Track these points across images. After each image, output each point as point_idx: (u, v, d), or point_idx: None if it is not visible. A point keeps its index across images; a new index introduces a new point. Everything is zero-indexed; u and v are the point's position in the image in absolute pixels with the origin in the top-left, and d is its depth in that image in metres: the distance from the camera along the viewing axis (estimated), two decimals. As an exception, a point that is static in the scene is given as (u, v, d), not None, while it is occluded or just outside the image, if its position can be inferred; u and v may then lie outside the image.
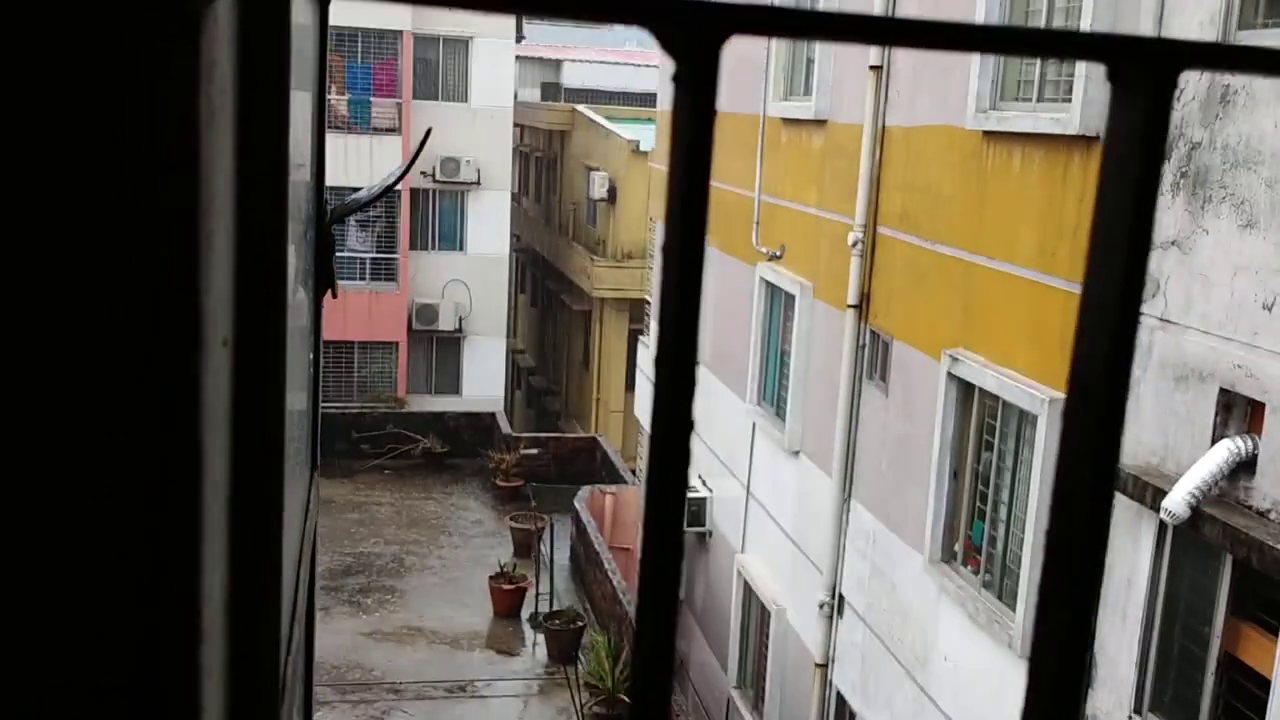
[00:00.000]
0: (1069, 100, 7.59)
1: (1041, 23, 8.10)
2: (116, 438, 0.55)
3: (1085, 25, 7.31)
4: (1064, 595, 0.48)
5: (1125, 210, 0.45)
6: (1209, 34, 6.30)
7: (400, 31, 24.95)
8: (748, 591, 13.20)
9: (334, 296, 2.07)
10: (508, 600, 17.76)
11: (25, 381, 0.54)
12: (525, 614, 17.74)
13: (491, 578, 18.02)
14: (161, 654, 0.60)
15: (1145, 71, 0.44)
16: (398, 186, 24.91)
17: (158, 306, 0.53)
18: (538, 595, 17.61)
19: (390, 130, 25.09)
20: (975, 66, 8.57)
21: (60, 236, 0.51)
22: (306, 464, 1.96)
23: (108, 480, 0.56)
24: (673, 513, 0.41)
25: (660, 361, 0.40)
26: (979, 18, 8.51)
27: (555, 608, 17.30)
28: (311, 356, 2.02)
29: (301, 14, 1.58)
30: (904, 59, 9.92)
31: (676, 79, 0.38)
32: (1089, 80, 7.26)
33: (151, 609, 0.59)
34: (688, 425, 0.40)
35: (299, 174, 1.63)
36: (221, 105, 0.68)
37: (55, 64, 0.48)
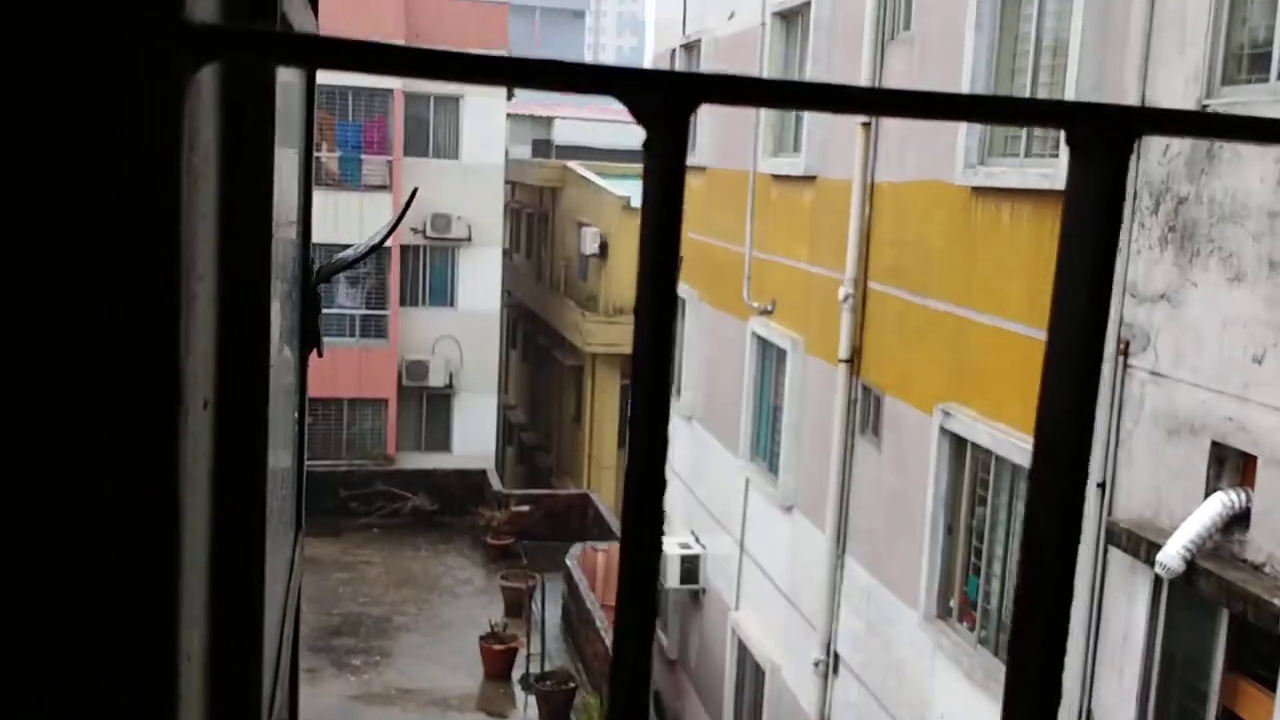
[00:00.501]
0: (1056, 156, 7.65)
1: (1028, 79, 8.20)
2: (93, 498, 0.55)
3: (1071, 81, 7.39)
4: (1034, 642, 0.48)
5: (1084, 270, 0.47)
6: (1193, 90, 6.36)
7: (391, 90, 25.20)
8: (742, 649, 13.07)
9: (319, 355, 2.05)
10: (498, 661, 17.56)
11: None
12: (516, 675, 17.52)
13: (482, 638, 17.83)
14: (138, 715, 0.59)
15: (1103, 137, 0.45)
16: (387, 243, 25.00)
17: (137, 368, 0.54)
18: (529, 655, 17.41)
19: (381, 187, 25.23)
20: (963, 123, 8.65)
21: (41, 297, 0.52)
22: (291, 524, 1.93)
23: (84, 540, 0.56)
24: (647, 574, 0.41)
25: (634, 424, 0.39)
26: (965, 74, 8.61)
27: (547, 668, 17.10)
28: (297, 415, 2.00)
29: (287, 72, 1.58)
30: (893, 118, 10.02)
31: (646, 146, 0.37)
32: (1075, 136, 7.33)
33: (128, 668, 0.58)
34: (660, 484, 0.40)
35: (285, 232, 1.62)
36: (205, 170, 0.68)
37: (41, 124, 0.49)
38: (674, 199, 0.36)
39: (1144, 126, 0.45)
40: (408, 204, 3.38)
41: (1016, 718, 0.48)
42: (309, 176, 2.04)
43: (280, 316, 1.58)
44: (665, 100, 0.36)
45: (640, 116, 0.36)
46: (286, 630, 1.66)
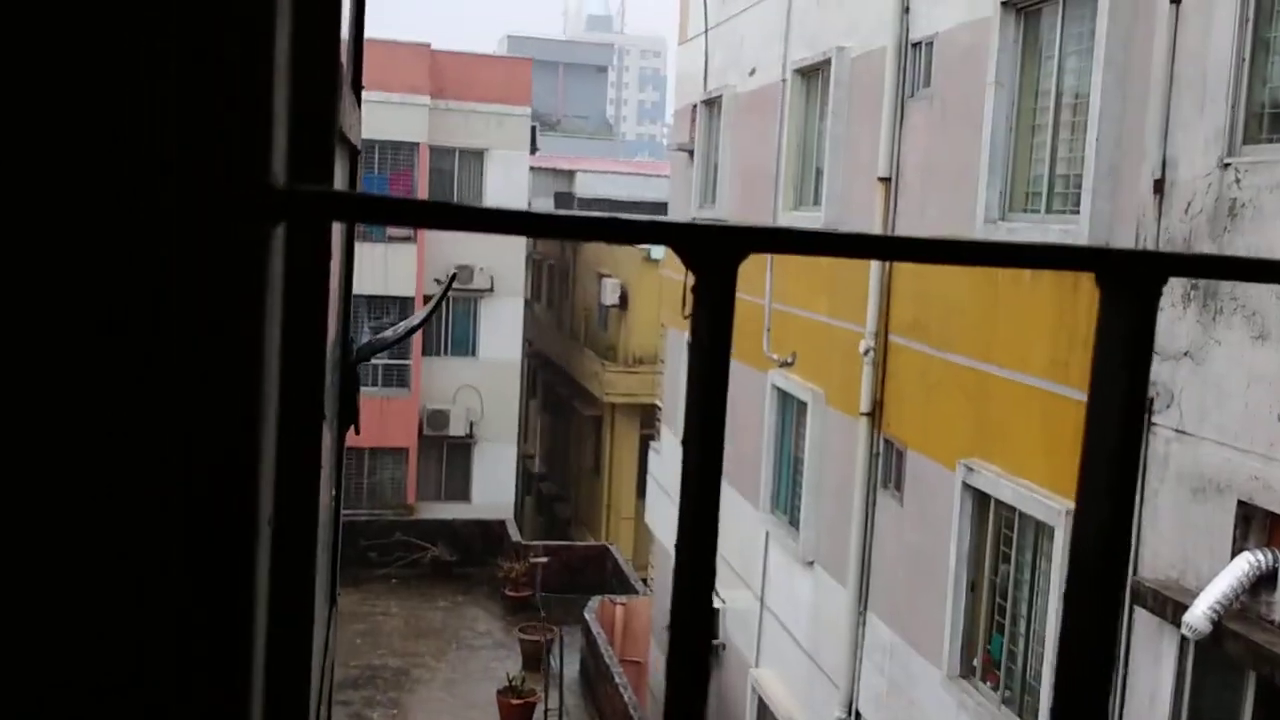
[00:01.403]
0: (1077, 212, 7.67)
1: (1048, 136, 8.23)
2: (169, 624, 0.58)
3: (1091, 139, 7.42)
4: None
5: (1115, 410, 0.47)
6: (1214, 149, 6.37)
7: (417, 144, 25.49)
8: (762, 707, 12.92)
9: (357, 433, 2.08)
10: (516, 715, 17.40)
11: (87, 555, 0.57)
12: (534, 728, 17.36)
13: (499, 692, 17.69)
14: None
15: (1132, 279, 0.47)
16: (410, 293, 25.18)
17: (220, 492, 0.58)
18: (547, 710, 17.25)
19: (405, 240, 25.46)
20: (984, 177, 8.69)
21: (143, 430, 0.57)
22: (326, 600, 1.94)
23: (155, 665, 0.58)
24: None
25: (678, 574, 0.40)
26: (985, 131, 8.66)
27: (564, 722, 16.94)
28: (335, 493, 2.02)
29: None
30: (912, 170, 10.07)
31: (695, 291, 0.39)
32: (1096, 194, 7.35)
33: None
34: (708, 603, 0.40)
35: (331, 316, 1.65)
36: (272, 310, 0.74)
37: (154, 284, 0.55)
38: (722, 342, 0.38)
39: (1171, 269, 0.47)
40: (448, 286, 3.45)
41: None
42: (350, 253, 2.07)
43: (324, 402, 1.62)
44: (714, 251, 0.38)
45: (690, 264, 0.38)
46: (323, 711, 1.68)
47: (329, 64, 0.99)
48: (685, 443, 0.40)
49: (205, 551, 0.57)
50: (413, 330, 3.08)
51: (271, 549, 0.82)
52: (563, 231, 0.41)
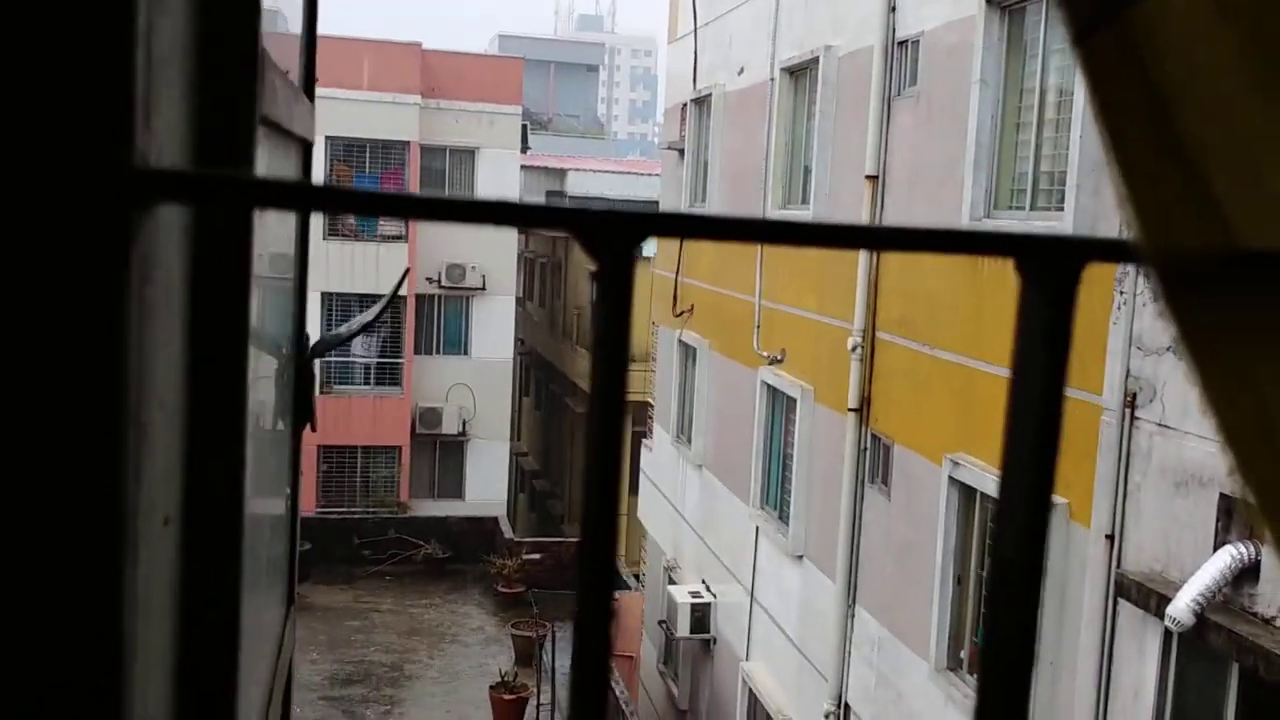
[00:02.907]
0: (1061, 209, 7.73)
1: (1032, 134, 8.29)
2: (33, 627, 0.55)
3: (1075, 136, 7.47)
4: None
5: (1034, 397, 0.48)
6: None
7: (408, 142, 25.47)
8: (753, 700, 12.98)
9: (313, 430, 2.10)
10: (509, 711, 17.44)
11: None
12: (527, 724, 17.40)
13: (492, 687, 17.73)
14: None
15: (1050, 266, 0.48)
16: (403, 292, 25.16)
17: (82, 495, 0.54)
18: (539, 705, 17.29)
19: (396, 238, 25.44)
20: (969, 174, 8.75)
21: None
22: (282, 601, 1.95)
23: (26, 684, 0.55)
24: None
25: (581, 563, 0.43)
26: (971, 129, 8.71)
27: (557, 718, 16.98)
28: (289, 491, 2.03)
29: (285, 146, 1.63)
30: (899, 167, 10.13)
31: (595, 277, 0.42)
32: (1080, 189, 7.41)
33: None
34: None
35: (281, 304, 1.68)
36: (166, 300, 0.72)
37: None
38: (620, 325, 0.42)
39: (1091, 254, 0.47)
40: (399, 282, 3.49)
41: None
42: (305, 243, 2.09)
43: (275, 394, 1.63)
44: (612, 236, 0.42)
45: (590, 250, 0.42)
46: (274, 713, 1.66)
47: (244, 48, 0.95)
48: (586, 430, 0.43)
49: (63, 551, 0.54)
50: (367, 326, 3.11)
51: (182, 547, 0.83)
52: (455, 215, 0.43)
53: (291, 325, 1.90)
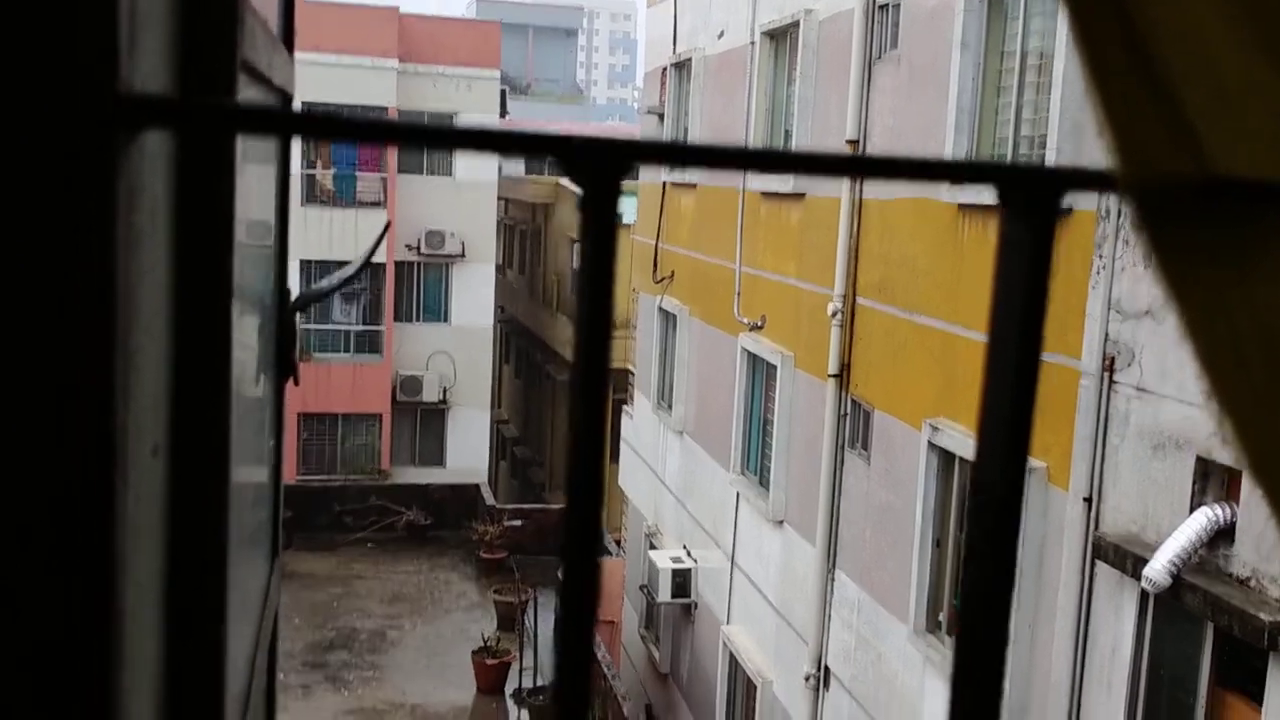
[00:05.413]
0: (1041, 173, 7.72)
1: (1013, 97, 8.28)
2: (22, 554, 0.55)
3: (1055, 98, 7.47)
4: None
5: (1015, 321, 0.49)
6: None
7: (386, 108, 25.28)
8: (733, 663, 13.09)
9: (295, 384, 2.09)
10: (491, 675, 17.55)
11: None
12: (509, 689, 17.51)
13: (475, 652, 17.82)
14: None
15: (1031, 194, 0.49)
16: (382, 259, 25.06)
17: (71, 421, 0.55)
18: (522, 669, 17.40)
19: (375, 204, 25.30)
20: (950, 137, 8.74)
21: None
22: (267, 554, 1.95)
23: (13, 600, 0.55)
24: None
25: (569, 481, 0.43)
26: (951, 92, 8.70)
27: (540, 682, 17.09)
28: (273, 442, 2.03)
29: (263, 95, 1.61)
30: (880, 131, 10.11)
31: (582, 205, 0.42)
32: (1060, 152, 7.41)
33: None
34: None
35: (258, 264, 1.66)
36: (151, 227, 0.71)
37: None
38: (607, 253, 0.41)
39: (1072, 184, 0.49)
40: (380, 237, 3.47)
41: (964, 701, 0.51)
42: (286, 201, 2.08)
43: (254, 347, 1.62)
44: (598, 163, 0.41)
45: (575, 177, 0.41)
46: (260, 660, 1.66)
47: None
48: (572, 363, 0.43)
49: (53, 476, 0.55)
50: (348, 280, 3.11)
51: (169, 481, 0.83)
52: (437, 142, 0.43)
53: (273, 278, 1.89)
